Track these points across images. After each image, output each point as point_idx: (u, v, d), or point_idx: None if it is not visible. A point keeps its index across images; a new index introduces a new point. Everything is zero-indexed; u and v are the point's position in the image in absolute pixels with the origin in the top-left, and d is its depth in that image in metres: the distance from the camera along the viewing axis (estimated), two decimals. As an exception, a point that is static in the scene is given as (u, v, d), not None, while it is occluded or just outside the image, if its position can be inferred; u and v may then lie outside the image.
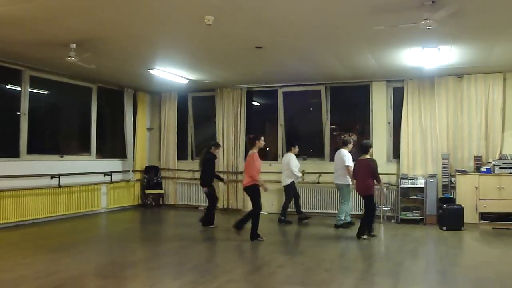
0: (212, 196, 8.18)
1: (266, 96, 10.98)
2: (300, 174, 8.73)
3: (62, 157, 9.16)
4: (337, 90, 9.88)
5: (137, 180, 10.98)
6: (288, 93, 10.25)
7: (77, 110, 10.12)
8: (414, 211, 8.65)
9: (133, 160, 10.91)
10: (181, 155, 11.28)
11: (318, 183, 9.64)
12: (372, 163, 7.09)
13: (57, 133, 9.73)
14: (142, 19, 5.63)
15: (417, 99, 9.07)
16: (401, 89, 9.26)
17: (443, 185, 8.58)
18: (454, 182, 8.50)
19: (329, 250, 6.44)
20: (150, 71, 8.54)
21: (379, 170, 7.88)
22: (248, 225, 6.88)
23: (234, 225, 7.04)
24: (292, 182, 8.60)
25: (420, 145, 9.00)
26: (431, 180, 8.54)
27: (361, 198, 7.59)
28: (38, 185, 8.39)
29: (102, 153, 10.30)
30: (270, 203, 9.73)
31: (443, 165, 8.61)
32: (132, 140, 10.86)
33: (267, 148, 10.62)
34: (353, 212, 8.79)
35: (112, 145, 10.81)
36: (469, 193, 8.17)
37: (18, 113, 8.33)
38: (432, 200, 8.44)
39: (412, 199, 8.76)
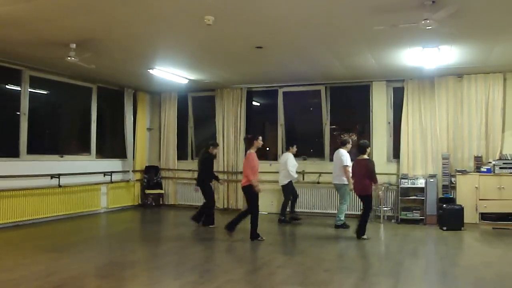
0: (209, 196, 8.17)
1: (266, 96, 10.98)
2: (296, 175, 8.68)
3: (62, 157, 9.17)
4: (337, 90, 9.88)
5: (137, 180, 10.99)
6: (288, 93, 10.25)
7: (77, 110, 10.12)
8: (414, 211, 8.65)
9: (133, 160, 10.91)
10: (181, 155, 11.29)
11: (318, 183, 9.64)
12: (370, 164, 7.08)
13: (57, 133, 9.73)
14: (142, 19, 5.63)
15: (417, 99, 9.07)
16: (401, 89, 9.26)
17: (443, 185, 8.58)
18: (454, 182, 8.50)
19: (329, 250, 6.44)
20: (150, 71, 8.54)
21: (380, 170, 7.91)
22: (241, 225, 6.86)
23: (226, 226, 6.93)
24: (290, 182, 8.60)
25: (420, 145, 9.00)
26: (431, 180, 8.54)
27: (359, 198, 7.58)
28: (38, 185, 8.39)
29: (102, 153, 10.30)
30: (270, 203, 9.73)
31: (443, 165, 8.61)
32: (132, 140, 10.86)
33: (267, 148, 10.62)
34: (351, 212, 8.80)
35: (112, 145, 10.81)
36: (469, 193, 8.17)
37: (18, 113, 8.33)
38: (432, 200, 8.44)
39: (412, 199, 8.76)
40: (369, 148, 7.34)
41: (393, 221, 8.84)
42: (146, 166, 11.31)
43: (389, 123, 9.46)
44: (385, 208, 8.97)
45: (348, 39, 6.46)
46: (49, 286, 4.46)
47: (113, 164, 10.37)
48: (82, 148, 9.92)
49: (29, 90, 8.47)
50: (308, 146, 10.35)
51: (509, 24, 5.70)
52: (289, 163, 8.57)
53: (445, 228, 7.84)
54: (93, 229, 8.30)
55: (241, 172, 10.01)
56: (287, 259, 5.86)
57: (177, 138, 11.23)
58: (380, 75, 8.90)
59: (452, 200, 8.31)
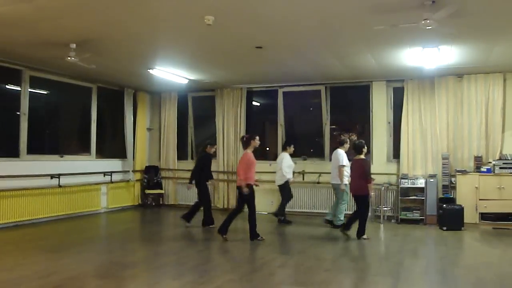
0: (204, 195, 8.15)
1: (266, 96, 10.98)
2: (290, 175, 8.60)
3: (62, 157, 9.16)
4: (337, 90, 9.88)
5: (137, 180, 10.98)
6: (288, 93, 10.25)
7: (77, 110, 10.12)
8: (414, 211, 8.65)
9: (133, 160, 10.91)
10: (181, 155, 11.28)
11: (318, 183, 9.64)
12: (365, 164, 7.09)
13: (57, 133, 9.73)
14: (142, 19, 5.63)
15: (417, 99, 9.07)
16: (401, 89, 9.26)
17: (443, 185, 8.58)
18: (454, 182, 8.50)
19: (329, 250, 6.44)
20: (150, 71, 8.54)
21: (380, 170, 7.91)
22: (241, 225, 6.85)
23: (218, 230, 6.88)
24: (286, 182, 8.58)
25: (420, 145, 9.00)
26: (431, 180, 8.54)
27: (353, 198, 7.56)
28: (38, 185, 8.39)
29: (102, 153, 10.29)
30: (270, 203, 9.72)
31: (443, 165, 8.61)
32: (132, 140, 10.86)
33: (267, 148, 10.62)
34: (351, 212, 8.77)
35: (112, 145, 10.80)
36: (469, 193, 8.17)
37: (18, 113, 8.33)
38: (432, 200, 8.44)
39: (412, 199, 8.76)
40: (365, 148, 7.32)
41: (393, 221, 8.83)
42: (146, 166, 11.31)
43: (389, 123, 9.46)
44: (385, 208, 8.97)
45: (348, 39, 6.46)
46: (49, 286, 4.47)
47: (113, 164, 10.37)
48: (82, 148, 9.92)
49: (29, 90, 8.47)
50: (308, 146, 10.36)
51: (509, 24, 5.70)
52: (284, 163, 8.54)
53: (445, 228, 7.84)
54: (93, 229, 8.30)
55: (241, 172, 10.06)
56: (287, 259, 5.86)
57: (177, 138, 11.23)
58: (380, 75, 8.90)
59: (452, 200, 8.31)
